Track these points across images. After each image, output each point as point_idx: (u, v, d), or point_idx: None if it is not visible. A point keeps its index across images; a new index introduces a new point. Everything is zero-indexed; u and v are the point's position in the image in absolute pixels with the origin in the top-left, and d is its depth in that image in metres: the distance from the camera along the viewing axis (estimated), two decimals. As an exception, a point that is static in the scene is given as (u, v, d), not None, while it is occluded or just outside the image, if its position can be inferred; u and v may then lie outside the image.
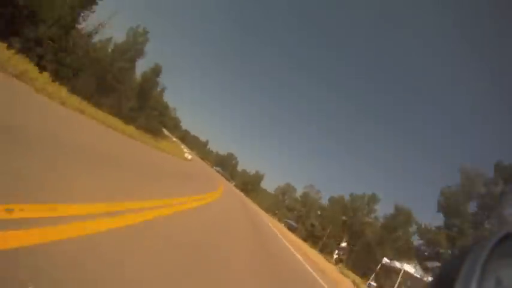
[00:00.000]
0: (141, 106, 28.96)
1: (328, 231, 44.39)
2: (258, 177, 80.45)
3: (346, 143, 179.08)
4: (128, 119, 26.77)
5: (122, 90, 28.48)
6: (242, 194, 59.83)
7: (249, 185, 76.14)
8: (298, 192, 71.31)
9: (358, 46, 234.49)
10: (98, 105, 23.75)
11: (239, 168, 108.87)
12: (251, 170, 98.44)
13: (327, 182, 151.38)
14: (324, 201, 61.29)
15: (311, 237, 49.92)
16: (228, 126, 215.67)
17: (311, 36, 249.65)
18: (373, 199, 43.45)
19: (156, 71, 30.84)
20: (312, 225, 51.30)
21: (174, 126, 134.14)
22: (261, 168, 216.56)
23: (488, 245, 0.50)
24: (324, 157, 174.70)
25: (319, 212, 53.68)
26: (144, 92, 29.05)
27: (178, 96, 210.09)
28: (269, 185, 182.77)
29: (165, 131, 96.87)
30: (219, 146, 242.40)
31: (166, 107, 61.09)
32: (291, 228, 48.74)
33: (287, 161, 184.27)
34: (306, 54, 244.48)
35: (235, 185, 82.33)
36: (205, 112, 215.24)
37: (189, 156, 35.70)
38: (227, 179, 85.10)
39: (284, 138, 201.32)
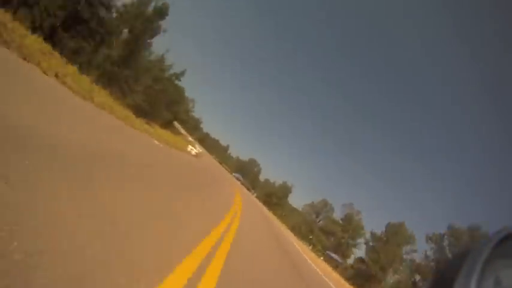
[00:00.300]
0: (126, 59, 18.29)
1: (394, 276, 30.58)
2: (285, 189, 67.26)
3: (392, 158, 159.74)
4: (99, 73, 16.29)
5: (100, 32, 18.08)
6: (265, 209, 47.72)
7: (274, 198, 63.43)
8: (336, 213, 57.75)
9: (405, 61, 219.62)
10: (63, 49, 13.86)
11: (262, 177, 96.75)
12: (276, 180, 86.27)
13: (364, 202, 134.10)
14: (368, 226, 47.34)
15: (359, 277, 36.16)
16: (252, 131, 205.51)
17: (348, 45, 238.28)
18: (477, 232, 28.54)
19: (159, 12, 20.18)
20: (361, 261, 37.58)
21: (194, 127, 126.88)
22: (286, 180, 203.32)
23: (488, 245, 0.50)
24: (362, 174, 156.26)
25: (371, 243, 39.65)
26: (134, 38, 18.40)
27: (199, 97, 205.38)
28: (293, 201, 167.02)
29: (181, 129, 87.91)
30: (240, 152, 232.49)
31: (181, 91, 50.31)
32: (332, 261, 35.50)
33: (316, 175, 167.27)
34: (348, 62, 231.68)
35: (257, 196, 70.21)
36: (228, 116, 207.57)
37: (194, 151, 24.63)
38: (247, 189, 73.27)
39: (313, 150, 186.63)
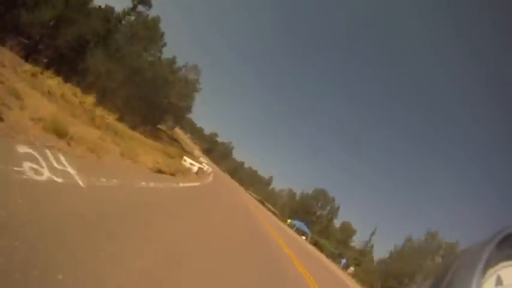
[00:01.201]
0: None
1: None
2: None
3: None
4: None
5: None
6: None
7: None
8: None
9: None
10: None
11: (338, 220, 63.06)
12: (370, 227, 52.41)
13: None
14: None
15: None
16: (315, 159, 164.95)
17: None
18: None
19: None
20: None
21: (224, 154, 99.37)
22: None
23: (489, 245, 0.50)
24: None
25: None
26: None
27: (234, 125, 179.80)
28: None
29: (195, 149, 60.71)
30: (298, 184, 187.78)
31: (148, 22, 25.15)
32: None
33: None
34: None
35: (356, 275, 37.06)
36: (274, 138, 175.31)
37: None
38: (347, 269, 37.98)
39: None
